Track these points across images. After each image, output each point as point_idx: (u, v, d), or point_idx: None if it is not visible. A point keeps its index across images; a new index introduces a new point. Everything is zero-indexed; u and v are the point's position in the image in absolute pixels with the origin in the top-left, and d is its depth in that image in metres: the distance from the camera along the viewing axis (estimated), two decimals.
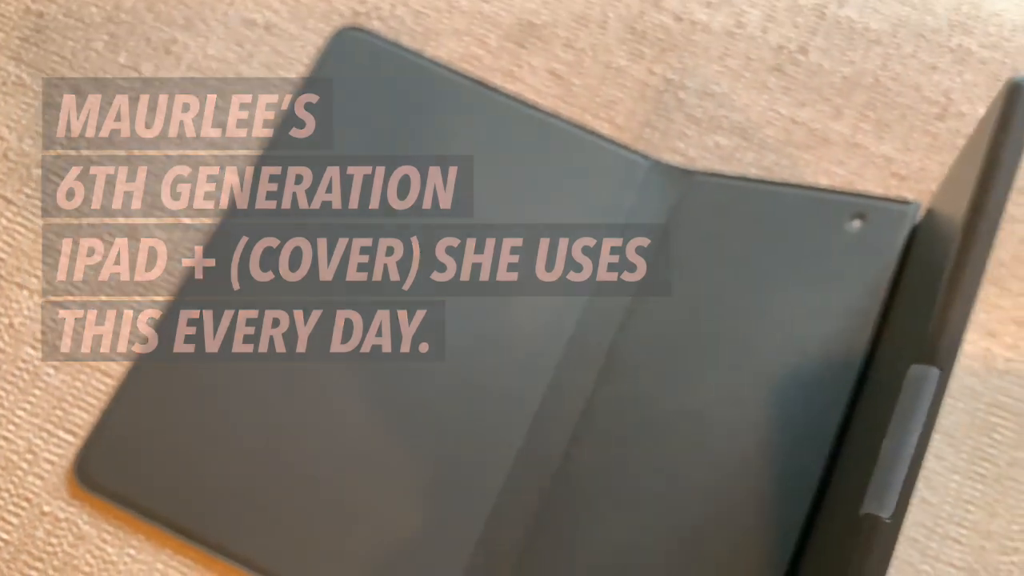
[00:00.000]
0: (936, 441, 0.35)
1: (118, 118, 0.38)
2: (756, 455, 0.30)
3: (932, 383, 0.24)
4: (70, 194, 0.37)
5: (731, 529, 0.29)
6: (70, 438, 0.34)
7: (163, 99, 0.39)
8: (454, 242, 0.37)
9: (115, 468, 0.33)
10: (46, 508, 0.34)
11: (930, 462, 0.35)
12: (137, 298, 0.36)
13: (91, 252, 0.36)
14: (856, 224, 0.33)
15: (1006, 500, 0.35)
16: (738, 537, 0.28)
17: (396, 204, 0.37)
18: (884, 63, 0.40)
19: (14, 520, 0.34)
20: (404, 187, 0.37)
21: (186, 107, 0.39)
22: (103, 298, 0.36)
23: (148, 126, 0.38)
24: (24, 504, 0.34)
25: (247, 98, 0.39)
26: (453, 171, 0.37)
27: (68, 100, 0.39)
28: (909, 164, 0.39)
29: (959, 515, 0.34)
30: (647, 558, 0.30)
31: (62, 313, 0.36)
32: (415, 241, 0.36)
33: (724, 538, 0.29)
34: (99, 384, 0.35)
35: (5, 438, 0.34)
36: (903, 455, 0.23)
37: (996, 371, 0.36)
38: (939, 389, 0.24)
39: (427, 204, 0.37)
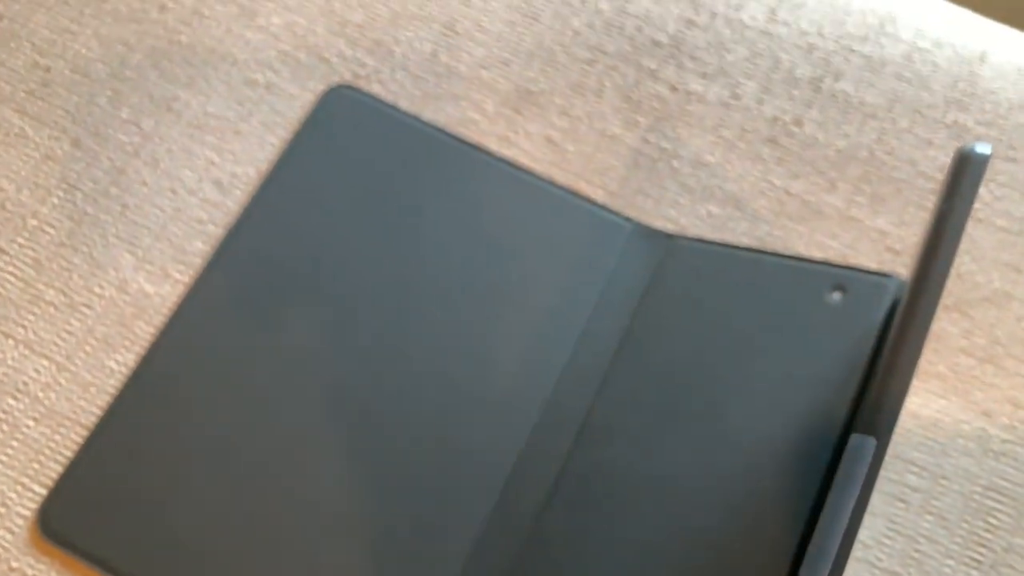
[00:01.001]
0: (930, 524, 0.34)
1: (117, 171, 0.39)
2: (729, 527, 0.29)
3: (868, 453, 0.23)
4: (62, 245, 0.37)
5: None
6: (45, 492, 0.34)
7: (162, 153, 0.39)
8: (433, 300, 0.36)
9: (79, 521, 0.33)
10: (14, 564, 0.33)
11: (923, 546, 0.34)
12: (122, 350, 0.36)
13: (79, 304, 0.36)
14: (836, 296, 0.32)
15: None
16: None
17: (374, 260, 0.37)
18: (879, 137, 0.40)
19: None
20: (382, 244, 0.37)
21: (183, 162, 0.39)
22: (87, 349, 0.36)
23: (144, 182, 0.39)
24: None
25: (241, 155, 0.39)
26: (433, 228, 0.38)
27: (68, 152, 0.39)
28: (904, 239, 0.38)
29: None
30: None
31: (46, 363, 0.36)
32: (392, 296, 0.36)
33: None
34: (77, 438, 0.35)
35: None
36: (837, 526, 0.22)
37: (992, 452, 0.35)
38: (875, 459, 0.23)
39: (405, 261, 0.37)
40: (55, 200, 0.38)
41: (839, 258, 0.38)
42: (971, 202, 0.26)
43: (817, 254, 0.38)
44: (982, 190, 0.40)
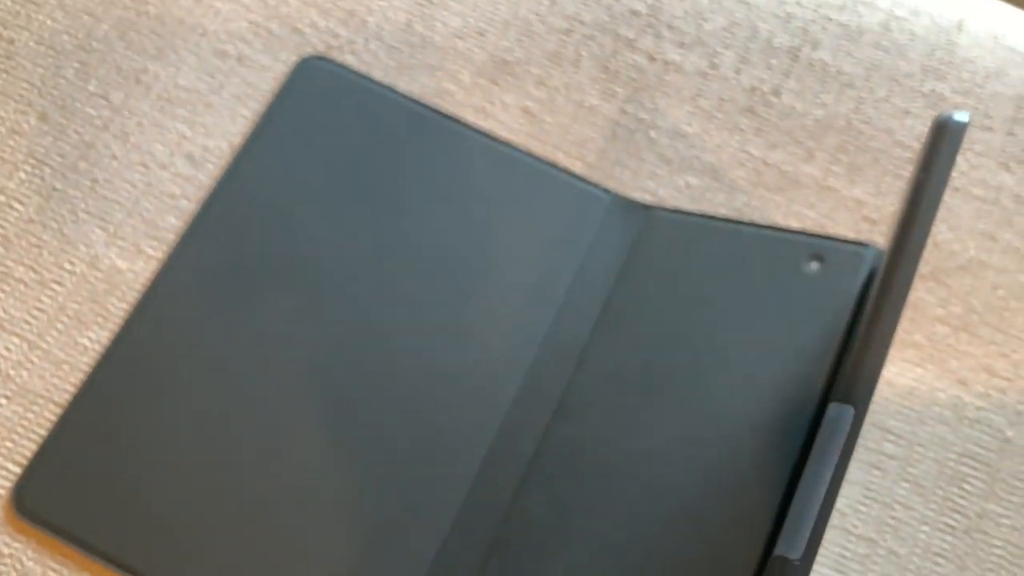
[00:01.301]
0: (905, 491, 0.35)
1: (86, 146, 0.38)
2: (709, 500, 0.29)
3: (847, 422, 0.23)
4: (30, 221, 0.37)
5: (680, 572, 0.28)
6: (19, 471, 0.34)
7: (132, 127, 0.38)
8: (410, 275, 0.36)
9: (55, 499, 0.33)
10: None
11: (899, 512, 0.34)
12: (95, 327, 0.36)
13: (51, 281, 0.36)
14: (814, 266, 0.32)
15: (976, 553, 0.34)
16: None
17: (350, 234, 0.37)
18: (857, 106, 0.40)
19: None
20: (359, 217, 0.37)
21: (154, 135, 0.38)
22: (59, 326, 0.36)
23: (114, 156, 0.38)
24: None
25: (213, 129, 0.39)
26: (410, 201, 0.37)
27: (34, 126, 0.38)
28: (881, 208, 0.38)
29: (928, 568, 0.34)
30: None
31: (17, 341, 0.35)
32: (368, 270, 0.36)
33: None
34: (51, 416, 0.34)
35: None
36: (815, 496, 0.22)
37: (967, 420, 0.36)
38: (853, 428, 0.23)
39: (382, 235, 0.37)
40: (22, 175, 0.38)
41: (816, 228, 0.38)
42: (948, 171, 0.26)
43: (794, 224, 0.38)
44: (959, 159, 0.40)
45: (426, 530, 0.32)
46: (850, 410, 0.23)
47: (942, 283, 0.38)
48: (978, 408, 0.36)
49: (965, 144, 0.40)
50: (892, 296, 0.23)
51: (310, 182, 0.37)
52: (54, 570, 0.32)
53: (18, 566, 0.33)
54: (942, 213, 0.39)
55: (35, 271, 0.36)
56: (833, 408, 0.23)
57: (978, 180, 0.39)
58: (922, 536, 0.34)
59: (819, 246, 0.33)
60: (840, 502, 0.35)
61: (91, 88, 0.39)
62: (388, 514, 0.32)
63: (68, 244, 0.37)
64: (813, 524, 0.22)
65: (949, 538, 0.34)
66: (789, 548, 0.22)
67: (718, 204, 0.38)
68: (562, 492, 0.31)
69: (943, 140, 0.25)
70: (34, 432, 0.34)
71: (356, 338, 0.35)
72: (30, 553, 0.33)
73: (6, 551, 0.33)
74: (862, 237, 0.38)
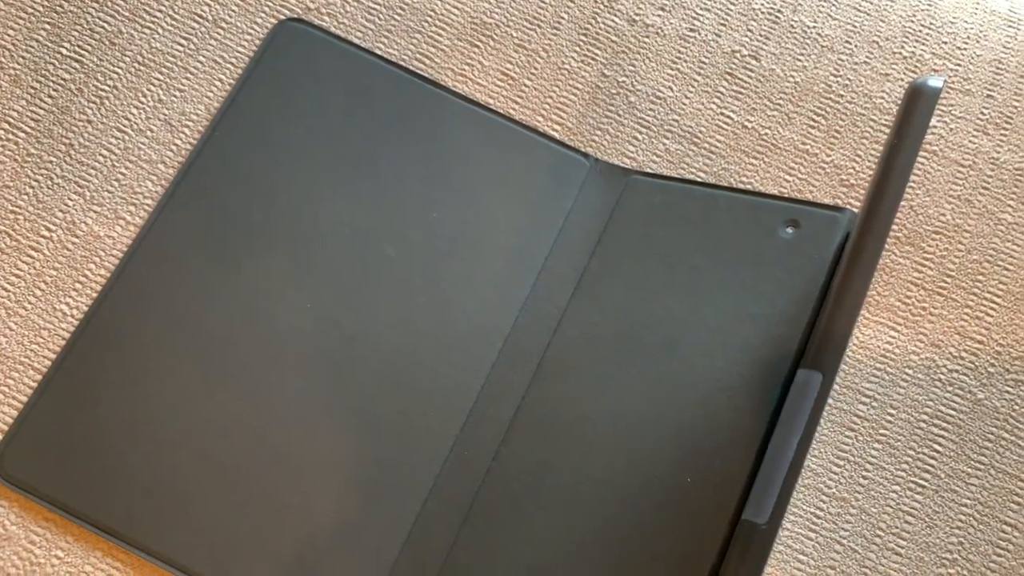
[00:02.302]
0: (878, 452, 0.35)
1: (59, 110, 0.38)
2: (680, 460, 0.29)
3: (815, 388, 0.23)
4: (5, 187, 0.36)
5: (654, 533, 0.29)
6: None
7: (107, 90, 0.38)
8: (391, 239, 0.36)
9: (37, 463, 0.33)
10: None
11: (871, 472, 0.35)
12: (73, 294, 0.36)
13: (29, 249, 0.36)
14: (790, 230, 0.33)
15: (945, 512, 0.35)
16: (660, 541, 0.28)
17: (331, 200, 0.36)
18: (836, 70, 0.40)
19: None
20: (339, 182, 0.37)
21: (130, 100, 0.38)
22: (37, 293, 0.35)
23: (89, 121, 0.38)
24: None
25: (190, 93, 0.38)
26: (390, 166, 0.37)
27: (6, 89, 0.38)
28: (858, 172, 0.39)
29: (898, 526, 0.34)
30: (570, 558, 0.30)
31: None
32: (349, 235, 0.36)
33: (646, 541, 0.29)
34: (31, 382, 0.34)
35: None
36: (782, 462, 0.23)
37: (939, 382, 0.36)
38: (821, 394, 0.23)
39: (363, 200, 0.37)
40: None
41: (794, 192, 0.38)
42: (922, 135, 0.26)
43: (772, 189, 0.38)
44: (936, 122, 0.40)
45: (409, 487, 0.33)
46: (818, 376, 0.23)
47: (917, 247, 0.38)
48: (950, 370, 0.36)
49: (943, 107, 0.40)
50: (862, 262, 0.24)
51: (289, 146, 0.37)
52: (37, 533, 0.33)
53: (2, 529, 0.33)
54: (918, 177, 0.39)
55: (11, 237, 0.36)
56: (802, 374, 0.24)
57: (955, 144, 0.39)
58: (893, 496, 0.35)
59: (795, 211, 0.33)
60: (813, 462, 0.35)
61: (64, 51, 0.39)
62: (371, 472, 0.33)
63: (44, 210, 0.37)
64: (779, 490, 0.23)
65: (919, 497, 0.35)
66: (756, 513, 0.23)
67: (697, 169, 0.38)
68: (540, 451, 0.31)
69: (917, 105, 0.25)
70: (14, 398, 0.34)
71: (337, 301, 0.35)
72: (12, 517, 0.33)
73: None
74: (839, 202, 0.38)
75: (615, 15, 0.40)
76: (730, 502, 0.26)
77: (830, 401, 0.36)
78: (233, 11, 0.40)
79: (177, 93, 0.38)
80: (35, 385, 0.34)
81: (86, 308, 0.35)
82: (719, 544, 0.26)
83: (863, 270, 0.24)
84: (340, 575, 0.32)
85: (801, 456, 0.23)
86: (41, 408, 0.34)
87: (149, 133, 0.38)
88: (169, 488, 0.33)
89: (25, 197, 0.37)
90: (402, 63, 0.39)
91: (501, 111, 0.39)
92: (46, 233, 0.36)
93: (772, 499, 0.23)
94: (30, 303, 0.35)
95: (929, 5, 0.41)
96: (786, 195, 0.37)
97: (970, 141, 0.39)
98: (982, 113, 0.40)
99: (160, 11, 0.39)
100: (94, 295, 0.35)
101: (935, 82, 0.26)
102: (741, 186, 0.38)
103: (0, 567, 0.32)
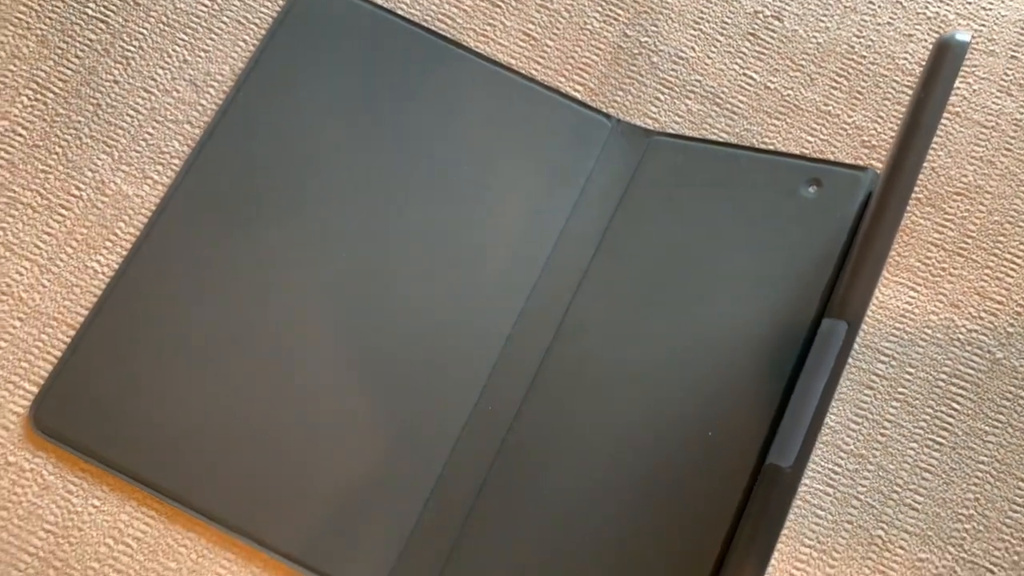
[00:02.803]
0: (896, 409, 0.36)
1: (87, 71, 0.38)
2: (702, 414, 0.30)
3: (840, 337, 0.24)
4: (35, 147, 0.37)
5: (675, 486, 0.29)
6: (35, 390, 0.35)
7: (132, 51, 0.38)
8: (415, 199, 0.37)
9: (71, 416, 0.34)
10: (11, 458, 0.34)
11: (889, 430, 0.35)
12: (104, 251, 0.36)
13: (60, 206, 0.36)
14: (812, 190, 0.33)
15: (962, 468, 0.35)
16: (683, 494, 0.29)
17: (355, 158, 0.37)
18: (859, 31, 0.40)
19: None
20: (365, 143, 0.37)
21: (155, 60, 0.38)
22: (68, 251, 0.36)
23: (116, 81, 0.38)
24: None
25: (215, 53, 0.39)
26: (413, 126, 0.37)
27: (34, 50, 0.38)
28: (880, 134, 0.39)
29: (915, 483, 0.35)
30: (594, 507, 0.31)
31: (28, 264, 0.36)
32: (373, 194, 0.36)
33: (669, 495, 0.29)
34: (64, 337, 0.35)
35: None
36: (808, 407, 0.23)
37: (958, 342, 0.37)
38: (847, 342, 0.24)
39: (386, 159, 0.37)
40: (24, 100, 0.38)
41: (816, 153, 0.38)
42: (949, 90, 0.26)
43: (794, 149, 0.38)
44: (959, 84, 0.40)
45: (435, 439, 0.33)
46: (843, 325, 0.24)
47: (938, 208, 0.38)
48: (969, 330, 0.37)
49: (967, 68, 0.40)
50: (889, 212, 0.24)
51: (313, 105, 0.37)
52: (74, 483, 0.34)
53: (39, 480, 0.34)
54: (940, 139, 0.39)
55: (42, 196, 0.37)
56: (827, 323, 0.24)
57: (979, 105, 0.39)
58: (910, 452, 0.35)
59: (817, 170, 0.33)
60: (832, 420, 0.36)
61: (89, 11, 0.39)
62: (398, 425, 0.33)
63: (74, 169, 0.37)
64: (805, 434, 0.23)
65: (936, 454, 0.35)
66: (781, 457, 0.23)
67: (719, 129, 0.39)
68: (563, 405, 0.32)
69: (944, 59, 0.25)
70: (49, 353, 0.35)
71: (363, 259, 0.36)
72: (50, 468, 0.34)
73: (27, 466, 0.34)
74: (861, 162, 0.38)
75: None
76: (752, 452, 0.27)
77: (850, 360, 0.36)
78: None
79: (202, 54, 0.39)
80: (68, 341, 0.35)
81: (116, 265, 0.36)
82: (741, 493, 0.26)
83: (890, 219, 0.24)
84: (369, 523, 0.33)
85: (826, 402, 0.24)
86: (74, 363, 0.34)
87: (175, 94, 0.38)
88: (200, 440, 0.34)
89: (55, 157, 0.37)
90: (424, 23, 0.39)
91: (523, 72, 0.39)
92: (76, 192, 0.37)
93: (797, 443, 0.23)
94: (62, 261, 0.36)
95: None
96: (808, 155, 0.37)
97: (993, 102, 0.39)
98: (1006, 74, 0.40)
99: None
100: (124, 252, 0.36)
101: (963, 36, 0.26)
102: (763, 146, 0.38)
103: (40, 515, 0.33)
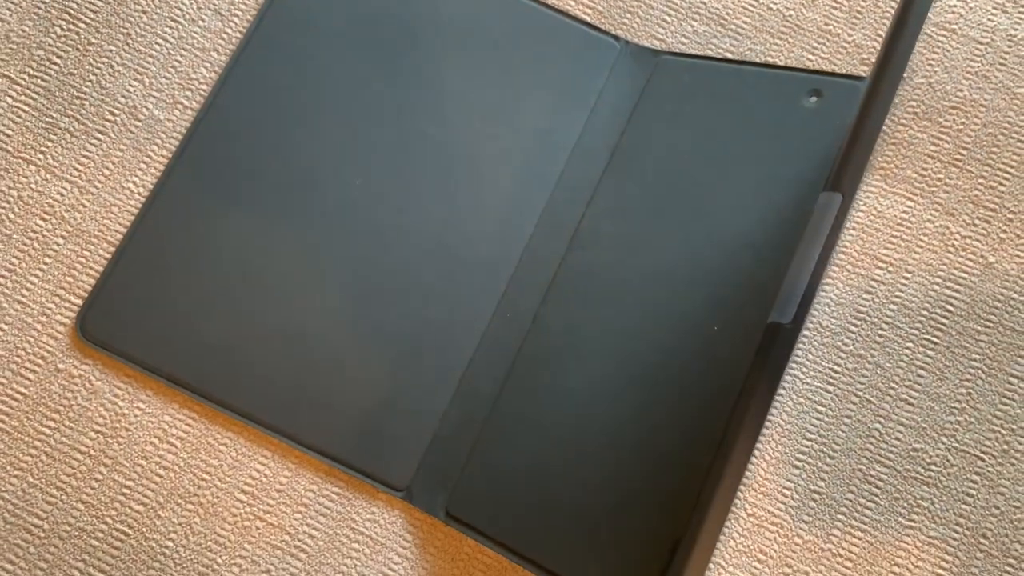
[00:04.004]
0: (893, 311, 0.38)
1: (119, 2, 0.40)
2: (707, 311, 0.32)
3: (835, 206, 0.25)
4: (70, 74, 0.39)
5: (685, 373, 0.31)
6: (80, 303, 0.37)
7: None
8: (430, 118, 0.38)
9: (115, 325, 0.36)
10: (60, 366, 0.36)
11: (886, 331, 0.37)
12: (139, 173, 0.38)
13: (95, 131, 0.38)
14: (812, 100, 0.34)
15: (955, 366, 0.37)
16: (691, 382, 0.31)
17: (373, 83, 0.39)
18: None
19: (31, 376, 0.36)
20: (380, 67, 0.39)
21: None
22: (106, 172, 0.38)
23: (144, 11, 0.40)
24: (40, 362, 0.36)
25: None
26: (428, 52, 0.39)
27: None
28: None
29: (911, 379, 0.37)
30: (607, 400, 0.33)
31: (68, 186, 0.38)
32: (392, 117, 0.38)
33: (678, 380, 0.32)
34: (105, 253, 0.37)
35: (20, 302, 0.37)
36: (805, 270, 0.25)
37: (953, 247, 0.38)
38: (841, 211, 0.25)
39: (403, 83, 0.39)
40: (58, 31, 0.39)
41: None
42: None
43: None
44: (955, 1, 0.41)
45: (457, 345, 0.35)
46: (838, 197, 0.26)
47: (934, 121, 0.40)
48: (963, 237, 0.39)
49: None
50: (879, 99, 0.26)
51: (333, 33, 0.39)
52: (120, 388, 0.36)
53: (88, 385, 0.36)
54: (937, 55, 0.40)
55: (79, 121, 0.39)
56: (824, 196, 0.26)
57: (974, 22, 0.41)
58: (906, 351, 0.37)
59: (818, 81, 0.35)
60: (831, 322, 0.38)
61: None
62: (422, 332, 0.36)
63: (108, 96, 0.39)
64: (803, 292, 0.25)
65: (931, 352, 0.37)
66: (782, 315, 0.25)
67: (724, 50, 0.40)
68: (577, 310, 0.34)
69: None
70: (91, 268, 0.37)
71: (383, 178, 0.38)
72: (97, 374, 0.36)
73: (76, 373, 0.36)
74: None
75: None
76: (751, 342, 0.29)
77: (849, 267, 0.38)
78: None
79: None
80: (109, 256, 0.37)
81: (151, 186, 0.38)
82: (743, 375, 0.28)
83: (879, 105, 0.26)
84: (397, 421, 0.35)
85: (823, 264, 0.25)
86: (116, 276, 0.36)
87: (201, 23, 0.40)
88: (237, 347, 0.36)
89: (89, 84, 0.39)
90: None
91: None
92: (110, 117, 0.39)
93: (795, 302, 0.25)
94: (100, 182, 0.38)
95: None
96: (809, 67, 0.39)
97: (988, 19, 0.41)
98: None
99: None
100: (158, 174, 0.38)
101: None
102: (766, 62, 0.40)
103: (89, 418, 0.36)
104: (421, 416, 0.35)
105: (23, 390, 0.36)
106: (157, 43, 0.40)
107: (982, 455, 0.36)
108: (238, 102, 0.38)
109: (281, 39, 0.39)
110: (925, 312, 0.38)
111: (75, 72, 0.39)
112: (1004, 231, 0.39)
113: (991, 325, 0.38)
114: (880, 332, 0.38)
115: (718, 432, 0.29)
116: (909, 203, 0.39)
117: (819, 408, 0.37)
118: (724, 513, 0.24)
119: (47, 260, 0.37)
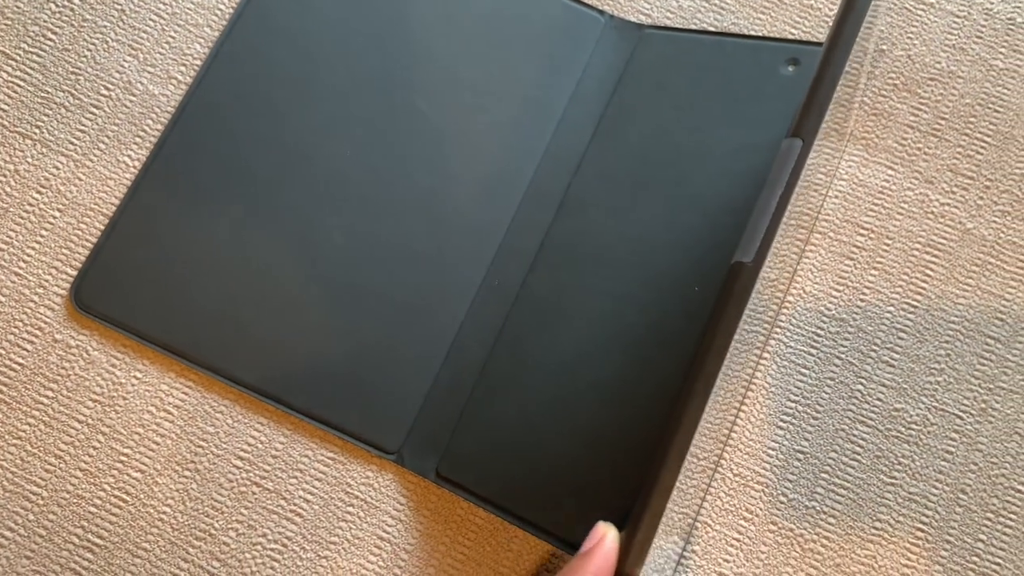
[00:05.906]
0: (874, 277, 0.39)
1: None
2: (689, 273, 0.33)
3: (795, 152, 0.26)
4: (65, 50, 0.39)
5: (668, 331, 0.32)
6: (75, 273, 0.37)
7: None
8: (420, 91, 0.39)
9: (109, 295, 0.36)
10: (58, 336, 0.37)
11: (868, 296, 0.38)
12: (134, 147, 0.39)
13: (88, 103, 0.39)
14: (790, 68, 0.35)
15: (935, 328, 0.38)
16: (673, 341, 0.32)
17: (363, 56, 0.39)
18: None
19: (28, 347, 0.37)
20: (371, 40, 0.39)
21: None
22: (101, 146, 0.39)
23: None
24: (37, 333, 0.37)
25: None
26: (417, 26, 0.40)
27: None
28: None
29: (891, 341, 0.38)
30: (593, 359, 0.34)
31: (63, 159, 0.38)
32: (382, 90, 0.39)
33: (660, 343, 0.32)
34: (100, 225, 0.38)
35: (17, 274, 0.37)
36: (766, 211, 0.26)
37: (932, 214, 0.39)
38: (801, 155, 0.26)
39: (393, 57, 0.39)
40: (53, 7, 0.40)
41: None
42: None
43: None
44: None
45: (447, 311, 0.36)
46: (799, 142, 0.26)
47: (913, 92, 0.41)
48: (942, 204, 0.39)
49: None
50: (837, 51, 0.26)
51: (323, 8, 0.40)
52: (116, 357, 0.37)
53: (85, 355, 0.37)
54: (916, 28, 0.41)
55: (74, 96, 0.39)
56: (785, 143, 0.27)
57: None
58: (887, 315, 0.38)
59: (795, 50, 0.36)
60: (814, 288, 0.39)
61: None
62: (412, 299, 0.36)
63: (102, 71, 0.39)
64: (764, 233, 0.26)
65: (912, 316, 0.38)
66: (744, 254, 0.26)
67: (707, 24, 0.41)
68: (564, 276, 0.35)
69: None
70: (87, 240, 0.38)
71: (374, 149, 0.38)
72: (94, 344, 0.37)
73: (73, 343, 0.37)
74: None
75: None
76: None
77: (831, 233, 0.39)
78: None
79: None
80: (104, 229, 0.38)
81: (145, 159, 0.38)
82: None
83: (837, 57, 0.27)
84: (389, 385, 0.36)
85: (782, 208, 0.26)
86: (110, 247, 0.37)
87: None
88: (230, 314, 0.36)
89: (84, 59, 0.40)
90: None
91: None
92: (105, 92, 0.39)
93: (756, 242, 0.26)
94: (95, 155, 0.39)
95: None
96: (787, 37, 0.40)
97: None
98: None
99: None
100: (153, 147, 0.39)
101: None
102: (748, 33, 0.40)
103: (87, 387, 0.36)
104: (412, 381, 0.36)
105: (21, 360, 0.36)
106: (151, 19, 0.40)
107: (961, 414, 0.37)
108: (229, 75, 0.39)
109: (272, 14, 0.40)
110: (905, 276, 0.39)
111: (70, 48, 0.40)
112: (981, 198, 0.40)
113: (969, 289, 0.38)
114: (862, 296, 0.38)
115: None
116: (890, 172, 0.40)
117: (803, 371, 0.38)
118: (685, 446, 0.25)
119: (43, 233, 0.38)
